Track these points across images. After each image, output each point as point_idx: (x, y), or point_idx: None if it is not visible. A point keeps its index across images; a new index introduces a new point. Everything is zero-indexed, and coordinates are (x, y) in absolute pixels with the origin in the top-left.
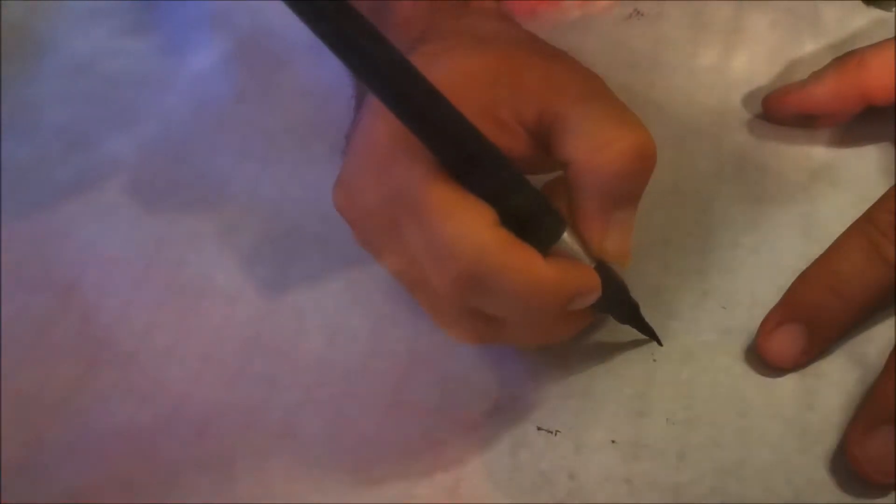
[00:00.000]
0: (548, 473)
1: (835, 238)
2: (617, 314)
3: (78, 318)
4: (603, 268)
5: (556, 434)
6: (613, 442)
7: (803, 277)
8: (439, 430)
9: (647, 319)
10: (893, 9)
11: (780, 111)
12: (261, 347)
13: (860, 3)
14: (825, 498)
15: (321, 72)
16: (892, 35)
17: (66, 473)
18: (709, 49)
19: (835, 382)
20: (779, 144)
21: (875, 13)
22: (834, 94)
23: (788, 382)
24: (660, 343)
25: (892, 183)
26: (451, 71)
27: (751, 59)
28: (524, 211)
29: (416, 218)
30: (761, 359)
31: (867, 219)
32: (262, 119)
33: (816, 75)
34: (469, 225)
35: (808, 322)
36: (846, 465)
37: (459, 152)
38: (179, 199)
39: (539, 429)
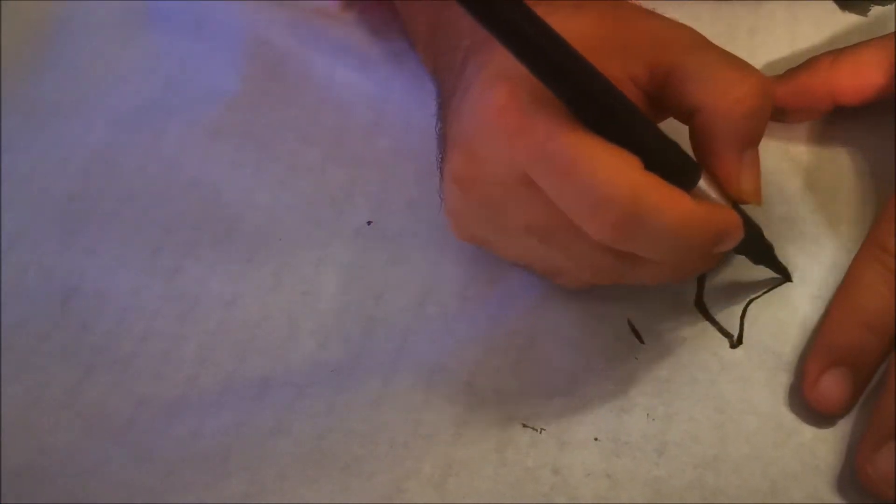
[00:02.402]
0: (533, 470)
1: (811, 237)
2: (753, 255)
3: (77, 325)
4: (738, 210)
5: (540, 432)
6: (596, 439)
7: (833, 319)
8: (427, 426)
9: (634, 321)
10: (868, 12)
11: None
12: (255, 350)
13: (836, 8)
14: (800, 489)
15: (313, 80)
16: (867, 39)
17: (65, 475)
18: None
19: None
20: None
21: (851, 17)
22: (804, 91)
23: (763, 379)
24: (790, 279)
25: (866, 184)
26: None
27: None
28: (662, 159)
29: (562, 171)
30: (811, 409)
31: (877, 245)
32: (255, 127)
33: (791, 71)
34: (621, 169)
35: (851, 363)
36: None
37: (598, 105)
38: (174, 207)
39: (525, 426)
